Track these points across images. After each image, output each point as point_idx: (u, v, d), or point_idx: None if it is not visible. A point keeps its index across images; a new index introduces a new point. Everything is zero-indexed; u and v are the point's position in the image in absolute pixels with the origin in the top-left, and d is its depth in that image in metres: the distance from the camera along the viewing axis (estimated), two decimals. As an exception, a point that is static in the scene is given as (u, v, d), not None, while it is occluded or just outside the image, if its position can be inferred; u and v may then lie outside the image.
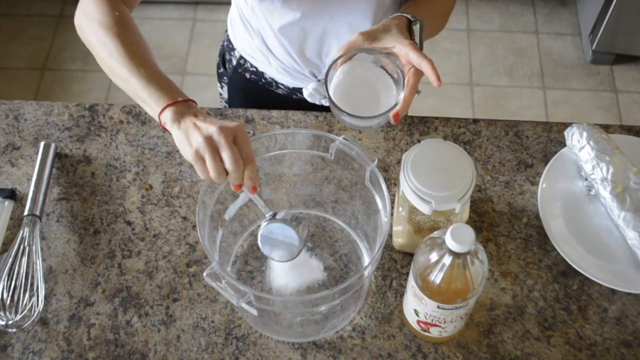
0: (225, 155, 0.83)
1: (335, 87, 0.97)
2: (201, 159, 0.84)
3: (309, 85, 1.21)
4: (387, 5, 1.11)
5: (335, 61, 0.96)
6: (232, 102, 1.37)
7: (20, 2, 2.66)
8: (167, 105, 0.88)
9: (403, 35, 0.98)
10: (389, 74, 0.99)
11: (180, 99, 0.89)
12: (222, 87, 1.37)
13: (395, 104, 0.96)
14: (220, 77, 1.37)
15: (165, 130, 0.89)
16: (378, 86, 0.99)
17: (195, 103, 0.92)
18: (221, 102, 1.41)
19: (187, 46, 2.53)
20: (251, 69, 1.26)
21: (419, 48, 0.98)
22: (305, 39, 1.13)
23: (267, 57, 1.21)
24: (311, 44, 1.14)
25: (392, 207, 0.98)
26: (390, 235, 1.04)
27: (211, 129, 0.83)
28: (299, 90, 1.24)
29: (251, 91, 1.31)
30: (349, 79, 0.98)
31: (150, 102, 0.89)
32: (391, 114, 0.96)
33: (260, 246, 0.92)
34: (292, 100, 1.27)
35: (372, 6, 1.08)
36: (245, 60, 1.26)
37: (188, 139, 0.85)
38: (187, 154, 0.85)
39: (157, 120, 0.89)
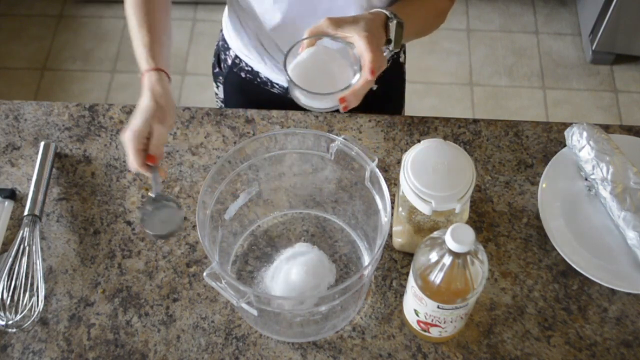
0: (127, 152, 0.95)
1: (294, 65, 0.98)
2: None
3: None
4: (376, 8, 1.11)
5: (299, 42, 0.98)
6: (228, 101, 1.37)
7: (20, 2, 2.67)
8: (142, 75, 1.01)
9: (367, 28, 0.97)
10: (350, 64, 0.99)
11: (150, 67, 1.01)
12: (217, 86, 1.37)
13: (345, 88, 0.95)
14: (215, 76, 1.37)
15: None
16: (335, 72, 0.99)
17: (166, 74, 1.02)
18: (217, 101, 1.42)
19: (187, 46, 2.53)
20: (246, 68, 1.27)
21: (378, 43, 0.98)
22: (298, 38, 1.13)
23: (262, 56, 1.21)
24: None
25: (392, 207, 0.98)
26: (390, 235, 1.04)
27: (133, 123, 0.95)
28: None
29: (246, 90, 1.31)
30: (309, 61, 0.99)
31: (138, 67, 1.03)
32: (338, 96, 0.95)
33: (142, 225, 0.98)
34: (287, 100, 1.27)
35: (361, 8, 1.08)
36: (241, 60, 1.27)
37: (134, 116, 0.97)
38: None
39: None
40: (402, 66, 1.34)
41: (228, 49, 1.28)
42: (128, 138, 0.94)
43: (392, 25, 1.01)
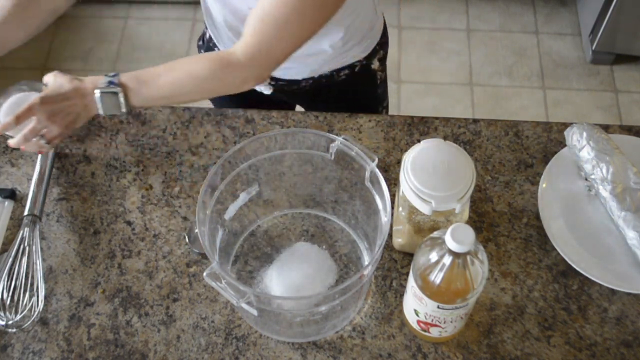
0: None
1: None
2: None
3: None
4: None
5: None
6: (216, 101, 1.37)
7: (20, 2, 2.66)
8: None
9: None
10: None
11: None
12: None
13: None
14: None
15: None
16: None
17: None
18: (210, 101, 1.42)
19: (187, 46, 2.53)
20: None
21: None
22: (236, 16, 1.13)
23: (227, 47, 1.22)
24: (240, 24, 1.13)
25: (392, 207, 0.98)
26: (390, 235, 1.04)
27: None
28: None
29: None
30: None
31: None
32: None
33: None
34: (272, 98, 1.28)
35: None
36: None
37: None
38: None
39: None
40: (375, 73, 1.30)
41: (215, 47, 1.29)
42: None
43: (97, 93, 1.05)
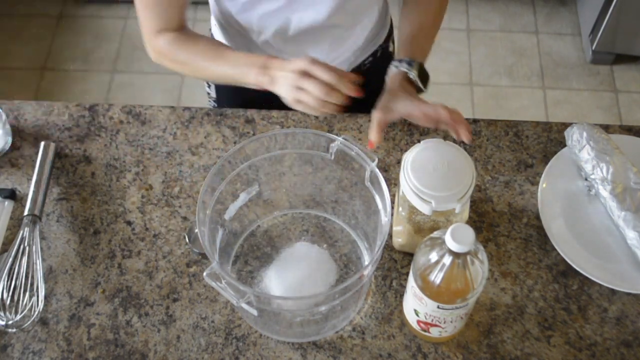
0: (320, 72, 0.95)
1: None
2: (301, 91, 0.96)
3: None
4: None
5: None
6: (220, 100, 1.37)
7: (20, 2, 2.67)
8: (254, 74, 1.03)
9: (408, 94, 1.06)
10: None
11: (255, 66, 1.03)
12: (209, 86, 1.37)
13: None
14: None
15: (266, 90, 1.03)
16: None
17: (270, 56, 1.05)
18: (209, 101, 1.41)
19: (187, 46, 2.53)
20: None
21: (420, 100, 1.06)
22: (286, 32, 1.14)
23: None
24: (291, 38, 1.15)
25: (392, 207, 0.98)
26: (390, 235, 1.04)
27: (293, 63, 0.97)
28: None
29: (240, 89, 1.30)
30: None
31: (250, 84, 1.05)
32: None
33: None
34: (278, 98, 1.28)
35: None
36: None
37: (280, 83, 0.99)
38: (288, 94, 0.98)
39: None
40: (391, 55, 1.35)
41: None
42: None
43: (414, 76, 1.08)
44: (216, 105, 1.39)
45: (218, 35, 1.27)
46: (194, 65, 1.12)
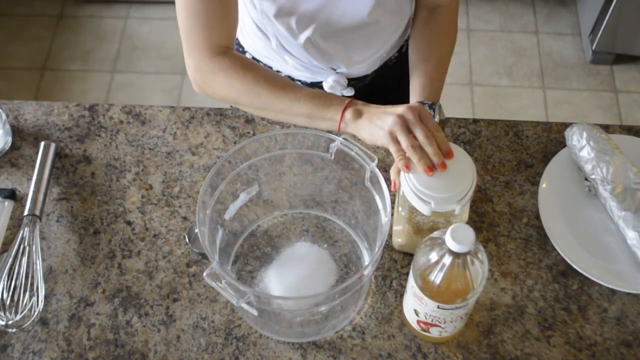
0: (418, 130, 0.92)
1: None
2: (395, 139, 0.92)
3: (329, 78, 1.20)
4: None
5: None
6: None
7: (20, 2, 2.67)
8: (343, 110, 0.97)
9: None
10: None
11: (346, 101, 0.98)
12: None
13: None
14: None
15: (339, 132, 0.98)
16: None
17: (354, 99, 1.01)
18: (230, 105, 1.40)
19: (187, 46, 2.52)
20: (266, 68, 1.25)
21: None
22: (323, 32, 1.13)
23: (283, 57, 1.19)
24: (330, 35, 1.13)
25: (392, 207, 0.98)
26: (390, 235, 1.04)
27: (398, 110, 0.94)
28: (317, 84, 1.23)
29: None
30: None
31: (326, 116, 0.98)
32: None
33: None
34: None
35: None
36: (259, 61, 1.24)
37: (377, 124, 0.94)
38: (380, 136, 0.94)
39: (336, 127, 0.98)
40: (405, 55, 1.34)
41: (243, 52, 1.26)
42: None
43: (436, 119, 1.05)
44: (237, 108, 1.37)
45: (248, 41, 1.24)
46: (254, 94, 1.02)
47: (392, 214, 1.01)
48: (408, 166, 0.91)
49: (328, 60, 1.18)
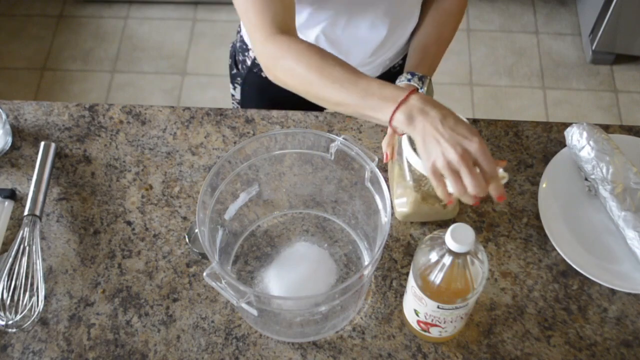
0: (467, 180, 0.81)
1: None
2: (439, 176, 0.83)
3: None
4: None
5: None
6: (245, 102, 1.36)
7: (20, 2, 2.67)
8: (393, 112, 0.84)
9: None
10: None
11: (400, 99, 0.85)
12: (234, 88, 1.36)
13: None
14: (233, 78, 1.36)
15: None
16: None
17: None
18: (233, 103, 1.41)
19: (187, 46, 2.53)
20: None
21: None
22: (332, 31, 1.13)
23: None
24: (337, 40, 1.14)
25: (390, 192, 0.98)
26: (392, 212, 1.03)
27: (452, 151, 0.81)
28: None
29: (266, 90, 1.29)
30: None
31: (378, 117, 0.87)
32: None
33: None
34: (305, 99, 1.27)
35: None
36: None
37: (428, 149, 0.83)
38: (426, 165, 0.84)
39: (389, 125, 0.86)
40: None
41: (247, 50, 1.27)
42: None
43: (423, 91, 1.05)
44: (239, 107, 1.38)
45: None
46: (312, 77, 0.92)
47: (393, 186, 1.03)
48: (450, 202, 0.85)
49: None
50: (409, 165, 0.94)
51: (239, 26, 1.30)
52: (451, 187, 0.83)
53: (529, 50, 2.53)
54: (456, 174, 0.82)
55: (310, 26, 1.13)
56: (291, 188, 1.08)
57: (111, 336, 0.98)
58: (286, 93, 1.28)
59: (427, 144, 0.83)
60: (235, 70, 1.34)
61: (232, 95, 1.39)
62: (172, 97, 2.39)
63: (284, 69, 0.95)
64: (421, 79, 1.06)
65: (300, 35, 1.12)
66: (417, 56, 1.12)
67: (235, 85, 1.35)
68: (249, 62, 1.28)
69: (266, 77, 1.28)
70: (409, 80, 1.08)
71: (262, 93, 1.32)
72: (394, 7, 1.12)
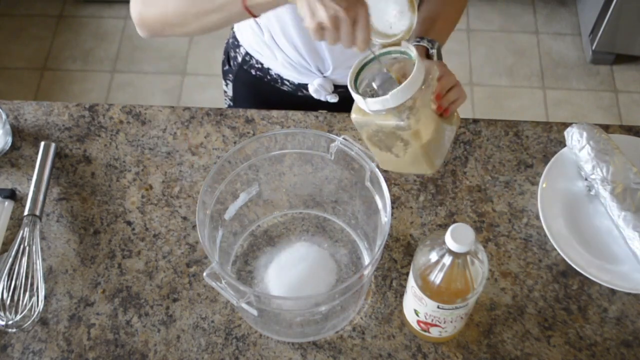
0: (344, 33, 0.83)
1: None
2: (321, 32, 0.84)
3: (315, 81, 1.21)
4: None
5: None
6: (236, 99, 1.37)
7: (20, 2, 2.66)
8: None
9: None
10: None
11: None
12: (226, 84, 1.37)
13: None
14: (225, 74, 1.36)
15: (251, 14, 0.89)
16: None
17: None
18: (225, 100, 1.41)
19: (187, 46, 2.53)
20: (257, 65, 1.26)
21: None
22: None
23: (274, 52, 1.20)
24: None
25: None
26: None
27: (336, 8, 0.82)
28: (304, 86, 1.24)
29: (256, 88, 1.30)
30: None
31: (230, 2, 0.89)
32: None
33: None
34: (297, 98, 1.27)
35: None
36: (251, 57, 1.26)
37: (310, 10, 0.83)
38: (308, 24, 0.84)
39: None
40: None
41: (238, 46, 1.28)
42: None
43: (433, 53, 1.04)
44: (232, 104, 1.38)
45: (243, 34, 1.25)
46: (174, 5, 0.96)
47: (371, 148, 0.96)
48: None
49: (317, 59, 1.18)
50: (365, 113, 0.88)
51: (235, 45, 1.31)
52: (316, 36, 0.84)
53: (529, 50, 2.53)
54: (321, 32, 0.84)
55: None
56: (291, 188, 1.08)
57: (111, 336, 0.98)
58: (276, 92, 1.29)
59: (309, 7, 0.83)
60: (227, 67, 1.34)
61: (225, 92, 1.39)
62: (172, 97, 2.39)
63: (151, 11, 0.97)
64: (431, 41, 1.04)
65: (280, 37, 1.14)
66: (425, 25, 1.09)
67: (228, 81, 1.36)
68: (239, 59, 1.29)
69: (255, 75, 1.28)
70: (417, 42, 1.05)
71: (251, 90, 1.32)
72: None
